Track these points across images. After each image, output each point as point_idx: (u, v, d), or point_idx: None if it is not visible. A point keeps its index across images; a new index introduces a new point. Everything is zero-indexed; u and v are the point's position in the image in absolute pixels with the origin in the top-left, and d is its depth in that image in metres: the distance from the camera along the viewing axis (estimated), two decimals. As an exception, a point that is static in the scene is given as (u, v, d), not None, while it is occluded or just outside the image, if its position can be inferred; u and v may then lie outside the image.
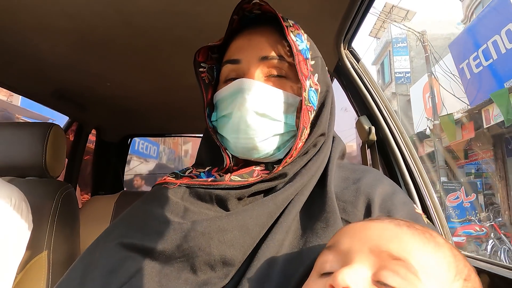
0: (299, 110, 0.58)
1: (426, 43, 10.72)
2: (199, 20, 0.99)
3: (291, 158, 0.56)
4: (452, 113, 9.35)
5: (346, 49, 1.01)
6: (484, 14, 8.17)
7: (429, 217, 0.84)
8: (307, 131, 0.57)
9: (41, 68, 1.30)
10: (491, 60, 7.67)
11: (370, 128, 0.96)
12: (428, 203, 0.87)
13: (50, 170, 1.07)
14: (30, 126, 1.09)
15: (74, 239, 1.08)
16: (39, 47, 1.15)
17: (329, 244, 0.40)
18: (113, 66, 1.31)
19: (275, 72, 0.58)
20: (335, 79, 1.17)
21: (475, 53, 8.01)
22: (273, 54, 0.57)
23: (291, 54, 0.57)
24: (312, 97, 0.57)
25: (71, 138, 1.98)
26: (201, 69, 0.64)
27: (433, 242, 0.36)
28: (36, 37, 1.09)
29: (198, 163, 0.65)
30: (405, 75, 14.09)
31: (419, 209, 0.59)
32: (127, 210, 0.60)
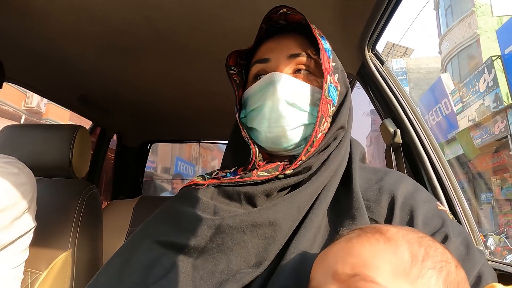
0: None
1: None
2: (223, 24, 1.01)
3: (313, 148, 0.58)
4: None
5: (370, 51, 1.01)
6: (434, 85, 12.28)
7: (458, 222, 0.81)
8: (327, 124, 0.60)
9: (69, 73, 1.35)
10: (440, 118, 11.53)
11: (395, 131, 0.94)
12: (458, 208, 0.84)
13: (76, 171, 1.09)
14: (58, 128, 1.12)
15: (97, 238, 1.10)
16: (68, 52, 1.19)
17: (309, 280, 0.42)
18: (138, 72, 1.34)
19: (302, 68, 0.61)
20: (357, 82, 1.17)
21: (431, 111, 11.92)
22: (300, 51, 0.61)
23: (316, 53, 0.61)
24: (332, 92, 0.60)
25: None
26: (231, 71, 0.68)
27: (382, 240, 0.38)
28: (65, 43, 1.13)
29: (224, 166, 0.68)
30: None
31: (442, 206, 0.59)
32: (158, 209, 0.62)
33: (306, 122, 0.59)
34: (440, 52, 14.17)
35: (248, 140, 0.62)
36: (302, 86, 0.59)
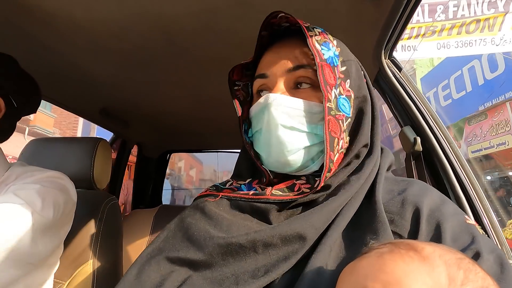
0: None
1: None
2: (238, 36, 1.02)
3: (331, 172, 0.54)
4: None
5: (387, 58, 0.99)
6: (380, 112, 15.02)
7: (485, 232, 0.77)
8: (343, 141, 0.55)
9: (90, 87, 1.39)
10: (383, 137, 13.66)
11: (415, 139, 0.92)
12: (484, 218, 0.80)
13: (97, 182, 1.12)
14: (80, 141, 1.16)
15: (118, 248, 1.11)
16: (89, 67, 1.24)
17: None
18: (156, 84, 1.37)
19: (302, 81, 0.57)
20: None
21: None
22: (297, 64, 0.57)
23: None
24: (342, 104, 0.55)
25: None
26: (236, 87, 0.65)
27: (417, 259, 0.35)
28: (86, 58, 1.17)
29: (238, 175, 0.66)
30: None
31: (471, 220, 0.55)
32: (172, 222, 0.61)
33: (308, 144, 0.55)
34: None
35: (256, 161, 0.60)
36: (300, 106, 0.55)
